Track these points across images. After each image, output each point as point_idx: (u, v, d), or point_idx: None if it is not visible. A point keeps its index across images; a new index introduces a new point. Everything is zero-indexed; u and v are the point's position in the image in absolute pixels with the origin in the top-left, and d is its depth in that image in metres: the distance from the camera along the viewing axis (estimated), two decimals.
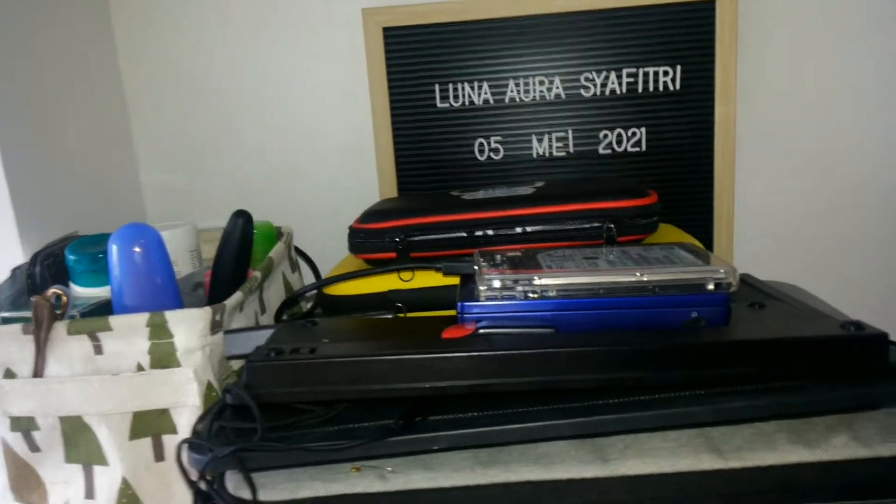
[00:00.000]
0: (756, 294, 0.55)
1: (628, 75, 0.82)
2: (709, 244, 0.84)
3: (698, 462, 0.40)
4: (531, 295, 0.46)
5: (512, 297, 0.46)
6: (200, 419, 0.44)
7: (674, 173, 0.84)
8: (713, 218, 0.84)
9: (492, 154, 0.85)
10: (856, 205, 0.85)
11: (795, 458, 0.40)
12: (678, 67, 0.81)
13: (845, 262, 0.86)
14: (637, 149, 0.84)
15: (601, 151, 0.84)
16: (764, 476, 0.40)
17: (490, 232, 0.58)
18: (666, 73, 0.82)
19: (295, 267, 0.75)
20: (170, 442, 0.51)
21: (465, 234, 0.58)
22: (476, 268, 0.49)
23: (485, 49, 0.82)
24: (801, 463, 0.40)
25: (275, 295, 0.65)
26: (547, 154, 0.85)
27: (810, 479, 0.40)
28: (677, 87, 0.82)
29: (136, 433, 0.51)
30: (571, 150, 0.84)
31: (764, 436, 0.41)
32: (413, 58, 0.83)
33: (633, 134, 0.84)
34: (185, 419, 0.50)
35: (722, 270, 0.46)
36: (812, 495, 0.40)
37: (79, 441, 0.52)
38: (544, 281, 0.46)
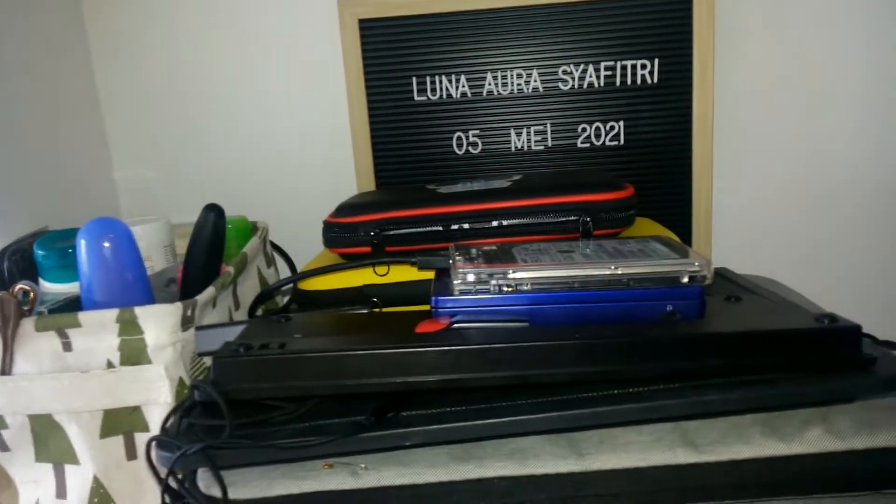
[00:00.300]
0: (732, 288, 0.55)
1: (606, 68, 0.82)
2: (687, 239, 0.84)
3: (673, 456, 0.40)
4: (505, 289, 0.46)
5: (486, 291, 0.46)
6: (169, 416, 0.43)
7: (652, 167, 0.84)
8: (691, 212, 0.84)
9: (470, 148, 0.84)
10: (835, 200, 0.85)
11: (770, 451, 0.40)
12: (656, 61, 0.81)
13: (824, 256, 0.87)
14: (615, 142, 0.84)
15: (579, 145, 0.84)
16: (738, 470, 0.40)
17: (466, 226, 0.57)
18: (644, 67, 0.81)
19: (271, 262, 0.74)
20: (142, 440, 0.50)
21: (440, 228, 0.58)
22: (451, 262, 0.49)
23: (462, 41, 0.82)
24: (775, 456, 0.40)
25: (249, 291, 0.64)
26: (525, 148, 0.84)
27: (785, 473, 0.40)
28: (655, 80, 0.82)
29: (107, 431, 0.50)
30: (550, 143, 0.84)
31: (738, 429, 0.41)
32: (390, 50, 0.82)
33: (612, 127, 0.83)
34: (157, 417, 0.50)
35: (697, 263, 0.46)
36: (787, 488, 0.40)
37: (49, 440, 0.51)
38: (518, 274, 0.46)
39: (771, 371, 0.40)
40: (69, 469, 0.51)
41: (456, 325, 0.45)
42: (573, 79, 0.82)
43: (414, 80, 0.82)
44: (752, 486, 0.40)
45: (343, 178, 0.87)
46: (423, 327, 0.44)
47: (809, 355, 0.40)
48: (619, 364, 0.41)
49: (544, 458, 0.40)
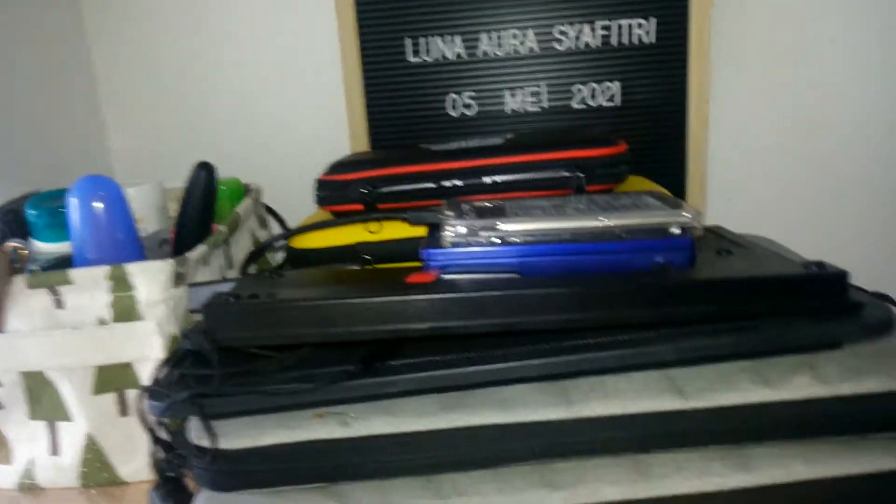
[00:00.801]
0: (725, 243, 0.55)
1: (602, 28, 0.81)
2: (682, 198, 0.84)
3: (662, 403, 0.40)
4: (496, 241, 0.46)
5: (476, 244, 0.45)
6: (160, 367, 0.43)
7: (648, 128, 0.84)
8: (687, 173, 0.84)
9: (465, 109, 0.84)
10: (831, 163, 0.85)
11: (758, 397, 0.40)
12: (653, 20, 0.80)
13: (820, 217, 0.86)
14: (611, 103, 0.83)
15: (575, 106, 0.83)
16: (726, 416, 0.40)
17: (459, 182, 0.57)
18: (640, 26, 0.81)
19: (263, 224, 0.74)
20: (134, 396, 0.51)
21: (433, 185, 0.57)
22: (442, 216, 0.48)
23: (457, 2, 0.81)
24: (763, 402, 0.40)
25: (242, 251, 0.64)
26: (520, 109, 0.84)
27: (772, 419, 0.40)
28: (652, 40, 0.81)
29: (99, 388, 0.51)
30: (545, 104, 0.84)
31: (726, 376, 0.41)
32: (384, 11, 0.81)
33: (608, 88, 0.83)
34: (149, 373, 0.50)
35: (687, 214, 0.46)
36: (774, 434, 0.41)
37: (42, 397, 0.51)
38: (509, 227, 0.46)
39: (759, 317, 0.40)
40: (62, 426, 0.52)
41: (446, 277, 0.45)
42: (568, 38, 0.82)
43: (408, 41, 0.82)
44: (739, 431, 0.40)
45: (337, 141, 0.86)
46: (413, 279, 0.44)
47: (797, 301, 0.40)
48: (607, 311, 0.41)
49: (533, 406, 0.40)
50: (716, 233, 0.59)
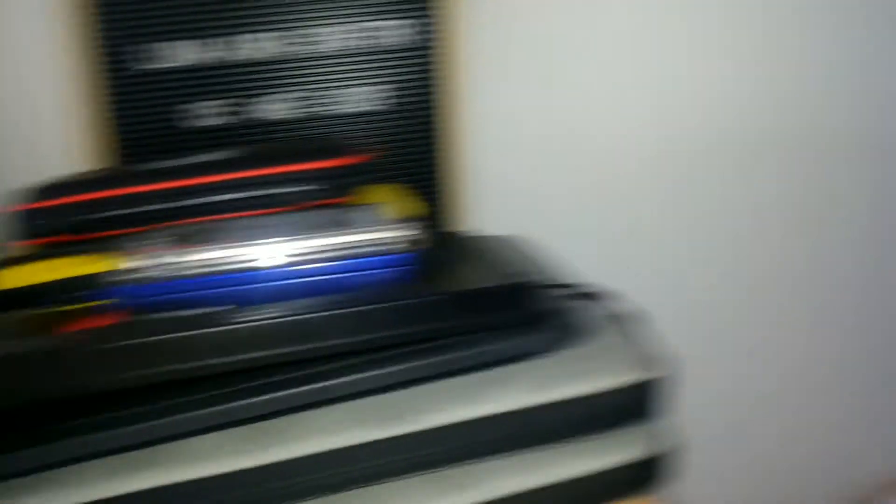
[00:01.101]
0: (456, 254, 0.53)
1: (367, 29, 0.78)
2: (445, 206, 0.83)
3: (364, 434, 0.38)
4: (192, 272, 0.41)
5: (167, 277, 0.41)
6: None
7: (417, 133, 0.82)
8: (449, 180, 0.83)
9: (218, 119, 0.78)
10: (605, 167, 0.85)
11: (470, 414, 0.39)
12: (417, 21, 0.78)
13: (591, 224, 0.87)
14: (378, 107, 0.81)
15: (341, 111, 0.80)
16: (441, 437, 0.38)
17: (172, 204, 0.52)
18: (405, 27, 0.78)
19: None
20: None
21: (145, 209, 0.52)
22: (136, 246, 0.43)
23: (209, 1, 0.75)
24: (476, 418, 0.39)
25: None
26: (280, 117, 0.79)
27: (482, 434, 0.39)
28: (418, 41, 0.79)
29: None
30: (308, 111, 0.80)
31: (430, 397, 0.39)
32: (122, 12, 0.73)
33: (375, 92, 0.80)
34: None
35: (409, 231, 0.44)
36: (486, 449, 0.40)
37: None
38: (206, 255, 0.42)
39: (454, 334, 0.38)
40: None
41: (130, 317, 0.40)
42: (331, 41, 0.78)
43: (153, 45, 0.74)
44: (449, 452, 0.39)
45: (68, 163, 0.77)
46: (87, 323, 0.39)
47: (489, 314, 0.39)
48: (313, 341, 0.38)
49: (224, 456, 0.36)
50: (451, 241, 0.58)
